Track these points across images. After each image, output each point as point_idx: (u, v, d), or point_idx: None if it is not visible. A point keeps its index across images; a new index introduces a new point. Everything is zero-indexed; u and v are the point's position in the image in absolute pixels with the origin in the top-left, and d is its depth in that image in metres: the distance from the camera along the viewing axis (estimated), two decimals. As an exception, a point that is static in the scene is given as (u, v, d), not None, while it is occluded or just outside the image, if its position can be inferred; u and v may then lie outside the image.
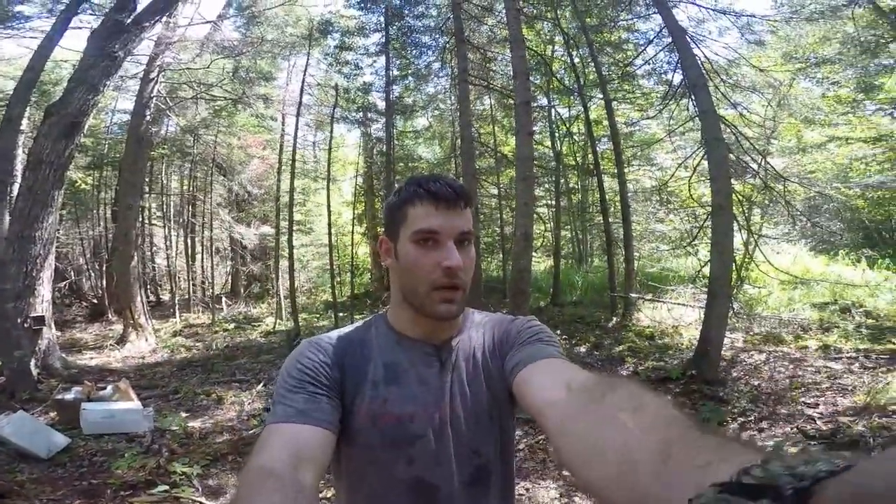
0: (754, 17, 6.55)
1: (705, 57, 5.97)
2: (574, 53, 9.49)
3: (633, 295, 7.86)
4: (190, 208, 14.06)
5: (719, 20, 7.12)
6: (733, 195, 5.50)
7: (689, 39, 5.58)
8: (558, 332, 7.57)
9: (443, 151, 13.87)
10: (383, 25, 9.76)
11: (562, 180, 11.73)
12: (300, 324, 9.55)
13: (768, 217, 9.01)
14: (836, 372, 4.44)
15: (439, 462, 0.79)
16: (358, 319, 0.86)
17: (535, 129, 11.60)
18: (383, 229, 0.86)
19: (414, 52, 10.54)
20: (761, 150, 7.47)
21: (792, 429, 3.46)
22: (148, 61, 8.83)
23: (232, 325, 10.79)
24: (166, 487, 2.89)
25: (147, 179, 11.58)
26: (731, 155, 5.90)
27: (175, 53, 9.26)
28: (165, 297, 14.33)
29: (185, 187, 14.02)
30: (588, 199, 13.99)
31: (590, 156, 10.61)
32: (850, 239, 12.51)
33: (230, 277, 15.80)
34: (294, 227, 10.74)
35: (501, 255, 11.71)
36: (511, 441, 0.88)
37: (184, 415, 4.63)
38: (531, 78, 9.75)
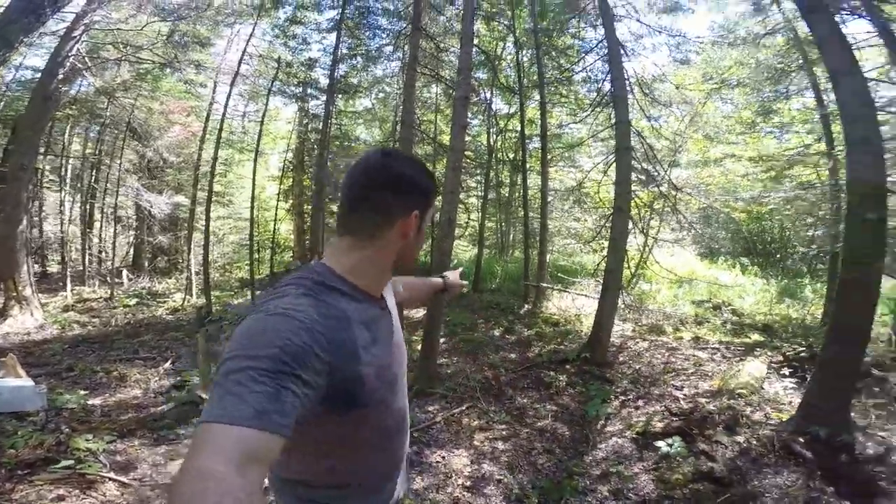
0: (685, 37, 7.15)
1: (634, 71, 6.45)
2: (522, 53, 9.77)
3: (543, 284, 8.48)
4: (94, 173, 12.70)
5: (656, 37, 7.69)
6: (635, 200, 6.15)
7: (622, 52, 5.84)
8: (475, 316, 8.01)
9: (382, 134, 13.74)
10: (340, 3, 9.39)
11: (492, 174, 12.20)
12: (212, 301, 9.14)
13: (665, 222, 10.07)
14: (701, 360, 5.22)
15: (404, 390, 1.04)
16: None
17: (474, 122, 11.94)
18: (412, 205, 0.91)
19: (367, 33, 10.32)
20: (668, 162, 8.32)
21: (661, 407, 4.07)
22: (74, 19, 7.80)
23: (134, 301, 10.06)
24: (70, 463, 2.78)
25: (45, 140, 10.28)
26: (638, 164, 6.53)
27: (107, 12, 8.27)
28: (53, 268, 12.91)
29: (88, 150, 12.60)
30: (515, 193, 14.64)
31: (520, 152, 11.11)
32: (732, 247, 14.28)
33: (133, 249, 14.54)
34: (212, 199, 10.15)
35: (430, 241, 11.96)
36: None
37: (82, 392, 4.38)
38: (479, 73, 9.95)
